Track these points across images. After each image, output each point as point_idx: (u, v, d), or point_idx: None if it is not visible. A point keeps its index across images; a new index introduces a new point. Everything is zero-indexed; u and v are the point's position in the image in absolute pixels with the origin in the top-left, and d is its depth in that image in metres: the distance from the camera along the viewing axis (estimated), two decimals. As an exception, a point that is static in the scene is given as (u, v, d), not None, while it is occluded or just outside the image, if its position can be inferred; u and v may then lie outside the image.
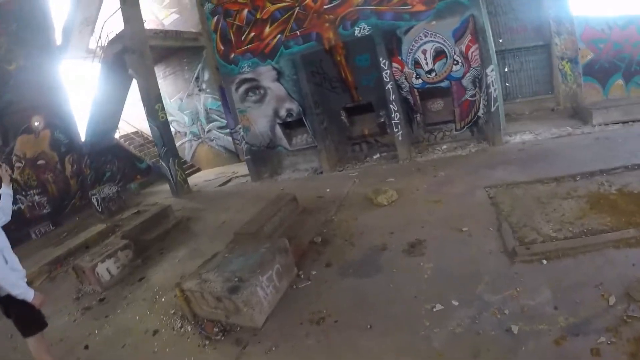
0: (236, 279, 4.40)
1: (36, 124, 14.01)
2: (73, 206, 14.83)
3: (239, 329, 4.31)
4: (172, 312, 5.10)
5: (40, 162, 14.15)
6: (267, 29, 9.87)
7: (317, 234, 6.12)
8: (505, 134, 8.56)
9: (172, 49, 14.83)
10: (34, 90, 13.97)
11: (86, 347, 4.93)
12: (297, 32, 9.53)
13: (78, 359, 4.73)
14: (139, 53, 11.61)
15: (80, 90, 16.46)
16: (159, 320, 5.03)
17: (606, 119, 8.08)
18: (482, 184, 6.33)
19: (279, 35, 9.76)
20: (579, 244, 4.15)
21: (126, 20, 11.76)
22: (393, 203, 6.63)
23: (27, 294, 3.55)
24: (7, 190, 3.98)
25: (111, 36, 13.16)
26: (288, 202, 6.94)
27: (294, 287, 4.85)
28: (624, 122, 7.89)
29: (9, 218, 3.97)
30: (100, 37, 14.78)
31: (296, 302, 4.55)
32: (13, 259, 3.69)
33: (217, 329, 4.38)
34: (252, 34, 10.11)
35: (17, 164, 13.40)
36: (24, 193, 13.39)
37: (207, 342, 4.25)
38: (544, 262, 4.01)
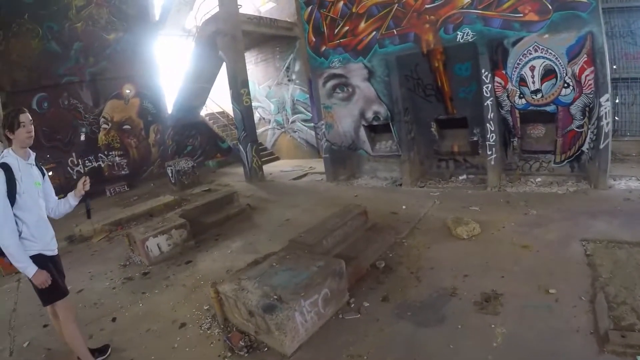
0: (275, 297, 3.98)
1: (127, 91, 14.94)
2: (151, 172, 15.76)
3: (266, 349, 3.91)
4: (205, 307, 4.89)
5: (126, 126, 15.22)
6: (362, 25, 9.31)
7: (382, 257, 5.55)
8: (610, 176, 7.47)
9: (266, 36, 14.81)
10: (129, 60, 15.15)
11: (114, 319, 4.97)
12: (394, 30, 8.88)
13: (102, 330, 4.73)
14: (230, 36, 11.65)
15: (172, 66, 17.10)
16: (190, 313, 4.86)
17: None
18: (580, 235, 5.43)
19: (374, 32, 9.17)
20: None
21: (221, 2, 11.88)
22: (474, 238, 5.87)
23: (27, 270, 3.44)
24: (72, 200, 3.94)
25: (207, 17, 13.31)
26: (356, 216, 6.34)
27: (341, 316, 4.33)
28: None
29: (56, 217, 3.96)
30: (196, 17, 15.17)
31: (338, 335, 4.02)
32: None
33: (243, 343, 4.02)
34: (346, 28, 9.60)
35: (104, 126, 14.54)
36: (106, 153, 14.39)
37: (229, 354, 3.94)
38: (639, 358, 3.21)
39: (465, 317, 4.06)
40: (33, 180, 3.55)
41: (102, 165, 14.50)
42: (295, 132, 16.30)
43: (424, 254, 5.57)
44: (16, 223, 3.37)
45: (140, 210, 9.33)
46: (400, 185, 9.53)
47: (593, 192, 7.20)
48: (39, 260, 3.49)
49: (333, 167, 11.07)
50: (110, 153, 14.76)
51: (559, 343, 3.51)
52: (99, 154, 14.44)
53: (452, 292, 4.50)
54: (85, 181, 3.86)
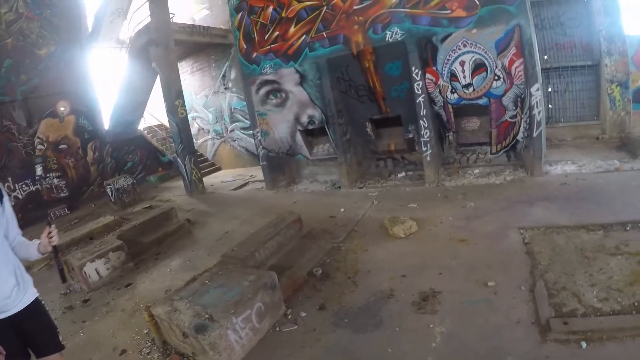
0: (206, 316, 3.76)
1: (62, 109, 14.36)
2: (91, 192, 15.24)
3: None
4: (145, 331, 4.63)
5: (62, 146, 14.66)
6: (292, 29, 9.15)
7: (319, 264, 5.35)
8: (546, 162, 7.58)
9: (201, 44, 14.56)
10: (62, 76, 14.32)
11: None
12: (324, 33, 8.76)
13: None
14: (163, 46, 11.32)
15: (107, 80, 16.58)
16: (130, 338, 4.60)
17: None
18: (517, 224, 5.39)
19: (304, 36, 9.02)
20: (629, 324, 3.25)
21: (152, 12, 11.52)
22: (411, 236, 5.75)
23: None
24: (35, 254, 2.93)
25: (139, 27, 12.94)
26: (290, 224, 6.13)
27: (278, 329, 4.13)
28: None
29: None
30: (129, 27, 14.75)
31: (275, 349, 3.83)
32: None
33: None
34: (276, 33, 9.42)
35: (39, 147, 13.90)
36: (43, 175, 13.61)
37: (169, 378, 3.67)
38: (583, 345, 3.14)
39: (403, 319, 3.92)
40: None
41: (40, 189, 13.80)
42: (234, 140, 15.96)
43: (361, 257, 5.41)
44: None
45: (80, 233, 8.77)
46: (340, 187, 9.40)
47: (530, 180, 7.24)
48: None
49: (272, 175, 10.86)
50: (48, 175, 14.05)
51: (500, 337, 3.40)
52: (36, 176, 13.75)
53: (389, 294, 4.36)
54: (50, 234, 2.86)
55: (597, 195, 5.97)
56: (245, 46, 10.17)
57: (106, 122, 15.64)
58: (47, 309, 5.44)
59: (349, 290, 4.61)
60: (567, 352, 3.11)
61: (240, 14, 10.08)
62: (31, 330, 2.80)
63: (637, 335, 3.13)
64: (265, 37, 9.65)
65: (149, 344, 4.34)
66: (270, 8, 9.40)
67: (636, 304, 3.50)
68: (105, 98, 15.83)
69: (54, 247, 2.93)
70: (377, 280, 4.70)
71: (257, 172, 12.76)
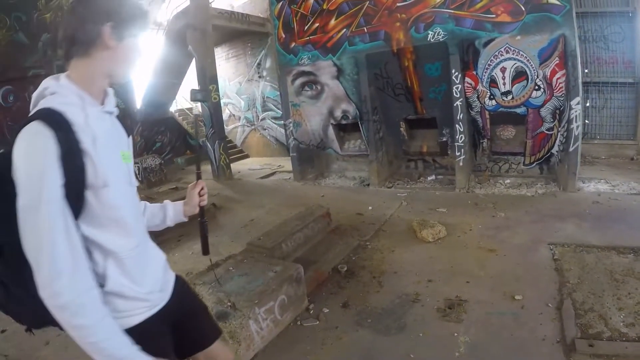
0: (229, 304, 3.72)
1: None
2: None
3: None
4: None
5: None
6: (333, 21, 9.09)
7: (344, 261, 5.31)
8: (579, 179, 7.46)
9: (238, 31, 14.54)
10: None
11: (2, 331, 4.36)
12: (365, 28, 8.67)
13: None
14: (200, 31, 11.36)
15: (143, 60, 16.60)
16: None
17: None
18: (547, 239, 5.32)
19: (345, 30, 8.94)
20: None
21: None
22: (440, 241, 5.70)
23: None
24: (171, 219, 2.10)
25: (177, 11, 13.06)
26: (319, 218, 6.11)
27: (299, 322, 4.10)
28: None
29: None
30: (167, 10, 14.84)
31: (295, 343, 3.80)
32: None
33: None
34: (316, 24, 9.37)
35: None
36: None
37: (184, 363, 3.65)
38: None
39: (428, 324, 3.87)
40: (119, 151, 1.63)
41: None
42: (265, 129, 16.00)
43: (388, 258, 5.37)
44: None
45: None
46: (368, 185, 9.36)
47: (562, 195, 7.13)
48: (148, 332, 1.58)
49: (300, 166, 10.84)
50: None
51: (524, 353, 3.35)
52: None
53: (414, 298, 4.31)
54: (202, 190, 2.10)
55: (630, 218, 5.85)
56: (284, 35, 10.15)
57: (138, 101, 15.81)
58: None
59: (374, 290, 4.58)
60: (591, 374, 3.05)
61: (280, 3, 10.05)
62: (186, 318, 1.95)
63: None
64: (305, 28, 9.61)
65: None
66: None
67: None
68: (139, 78, 15.97)
69: (202, 208, 2.14)
70: (403, 282, 4.67)
71: (285, 163, 12.79)
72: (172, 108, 17.34)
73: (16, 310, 1.52)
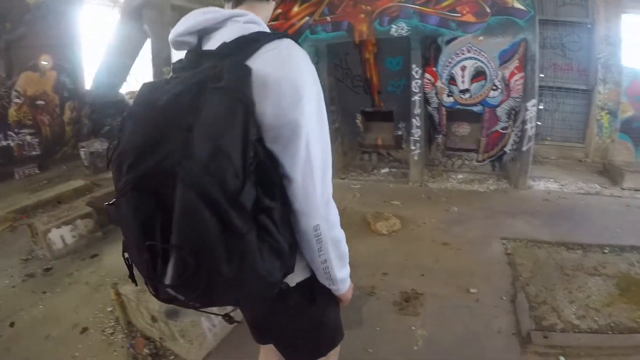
0: (179, 302, 3.56)
1: (44, 63, 13.46)
2: (64, 154, 14.30)
3: (172, 357, 3.53)
4: (109, 309, 4.32)
5: (39, 102, 13.65)
6: (296, 8, 8.87)
7: None
8: (530, 177, 7.64)
9: (199, 13, 14.00)
10: (49, 29, 13.31)
11: (12, 324, 4.27)
12: (328, 17, 8.50)
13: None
14: (158, 10, 11.02)
15: (95, 38, 15.87)
16: (92, 316, 4.28)
17: (638, 184, 7.31)
18: (500, 234, 5.41)
19: (307, 18, 8.76)
20: (606, 344, 3.35)
21: None
22: (394, 234, 5.69)
23: (345, 281, 1.75)
24: None
25: (136, -14, 12.50)
26: None
27: (253, 318, 3.99)
28: None
29: None
30: (126, -14, 14.23)
31: (250, 341, 3.65)
32: None
33: (147, 350, 3.58)
34: (279, 10, 9.10)
35: (16, 100, 12.92)
36: (16, 130, 12.86)
37: (131, 364, 3.47)
38: (562, 359, 3.18)
39: (385, 318, 3.87)
40: None
41: (12, 145, 13.20)
42: None
43: None
44: None
45: (48, 195, 8.38)
46: None
47: (513, 192, 7.29)
48: None
49: None
50: (22, 131, 13.37)
51: (481, 346, 3.40)
52: (8, 132, 13.11)
53: (370, 292, 4.30)
54: None
55: (578, 216, 6.05)
56: None
57: (88, 82, 15.16)
58: (8, 274, 5.29)
59: None
60: (546, 365, 3.10)
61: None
62: None
63: (613, 355, 3.21)
64: None
65: (112, 324, 4.09)
66: None
67: (612, 324, 3.59)
68: (90, 57, 15.30)
69: None
70: (358, 275, 4.57)
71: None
72: (123, 90, 16.75)
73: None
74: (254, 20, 1.41)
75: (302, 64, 1.30)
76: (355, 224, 6.09)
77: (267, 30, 1.42)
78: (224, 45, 1.28)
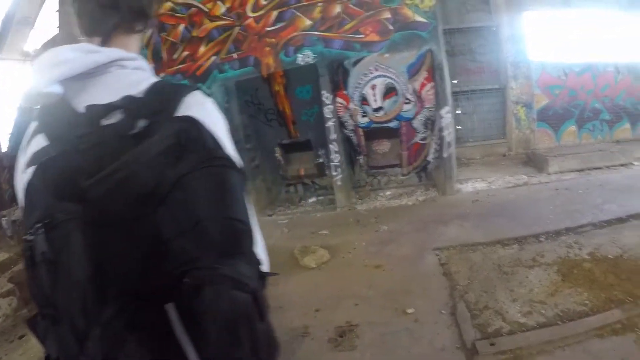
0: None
1: None
2: None
3: None
4: None
5: None
6: (202, 49, 8.58)
7: None
8: (457, 181, 7.70)
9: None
10: None
11: None
12: (234, 54, 8.28)
13: None
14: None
15: (9, 96, 14.94)
16: None
17: (562, 167, 7.65)
18: (433, 245, 5.19)
19: (214, 57, 8.51)
20: (556, 336, 3.18)
21: (60, 24, 10.61)
22: (323, 265, 5.30)
23: None
24: None
25: (45, 40, 12.24)
26: None
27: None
28: (579, 171, 7.56)
29: None
30: (35, 39, 13.73)
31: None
32: None
33: None
34: (186, 52, 8.79)
35: None
36: None
37: None
38: None
39: (320, 358, 3.51)
40: None
41: None
42: None
43: (272, 292, 4.75)
44: None
45: None
46: None
47: (442, 199, 7.20)
48: None
49: None
50: None
51: (425, 367, 3.08)
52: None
53: (303, 332, 3.88)
54: None
55: (509, 210, 6.04)
56: (153, 66, 9.46)
57: (4, 143, 14.22)
58: None
59: None
60: (498, 374, 2.85)
61: (150, 31, 9.37)
62: None
63: (567, 345, 3.06)
64: (174, 57, 8.98)
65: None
66: (182, 26, 8.70)
67: (560, 313, 3.46)
68: (5, 116, 14.39)
69: None
70: (290, 317, 4.17)
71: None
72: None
73: None
74: (144, 67, 1.24)
75: (218, 112, 1.21)
76: (284, 263, 5.59)
77: (155, 76, 1.24)
78: (144, 100, 1.06)
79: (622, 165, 7.75)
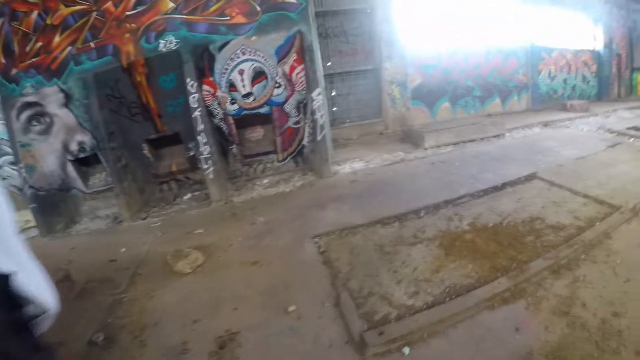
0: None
1: None
2: None
3: None
4: None
5: None
6: (57, 38, 7.60)
7: (100, 327, 4.06)
8: (334, 162, 7.72)
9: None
10: None
11: None
12: (91, 43, 7.48)
13: None
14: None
15: None
16: None
17: (438, 141, 8.03)
18: (311, 232, 4.98)
19: (70, 47, 7.59)
20: (447, 314, 3.10)
21: None
22: (198, 269, 4.86)
23: None
24: None
25: None
26: (56, 286, 4.80)
27: None
28: (455, 144, 8.05)
29: None
30: None
31: None
32: None
33: None
34: (39, 43, 7.71)
35: None
36: None
37: None
38: (406, 350, 2.83)
39: (202, 377, 3.12)
40: None
41: None
42: (4, 179, 13.31)
43: (148, 307, 4.32)
44: None
45: None
46: (121, 222, 8.00)
47: (320, 183, 7.11)
48: None
49: (45, 218, 8.80)
50: None
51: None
52: None
53: (182, 349, 3.45)
54: None
55: (388, 188, 6.08)
56: (4, 61, 8.06)
57: None
58: None
59: (137, 354, 3.56)
60: (393, 365, 2.70)
61: (0, 20, 7.85)
62: None
63: (458, 322, 3.01)
64: (27, 49, 7.80)
65: None
66: (35, 13, 7.57)
67: (447, 290, 3.42)
68: None
69: None
70: (167, 332, 3.75)
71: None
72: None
73: None
74: None
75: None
76: (158, 271, 5.09)
77: None
78: None
79: (494, 136, 8.39)
